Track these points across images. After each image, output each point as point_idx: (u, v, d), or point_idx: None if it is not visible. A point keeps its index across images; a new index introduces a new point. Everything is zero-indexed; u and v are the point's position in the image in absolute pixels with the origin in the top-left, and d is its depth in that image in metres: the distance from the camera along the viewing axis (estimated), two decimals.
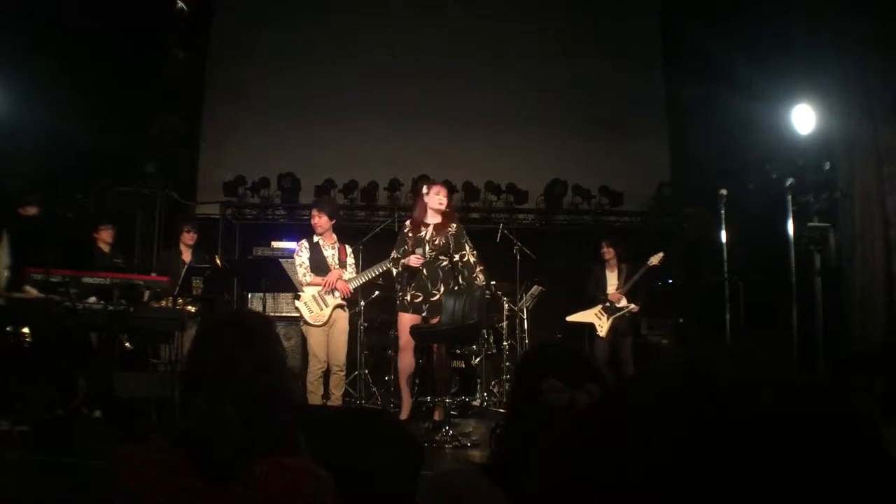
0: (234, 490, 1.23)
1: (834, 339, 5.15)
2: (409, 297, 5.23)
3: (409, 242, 5.28)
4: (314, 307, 5.48)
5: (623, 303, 6.49)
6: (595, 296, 6.61)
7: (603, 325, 6.48)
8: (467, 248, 5.28)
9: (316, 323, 5.45)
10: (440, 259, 5.21)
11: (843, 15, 5.50)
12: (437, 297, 5.17)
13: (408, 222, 5.44)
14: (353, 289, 5.61)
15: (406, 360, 5.26)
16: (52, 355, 4.62)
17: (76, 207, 6.65)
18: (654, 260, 6.43)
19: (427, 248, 5.21)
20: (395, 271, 5.36)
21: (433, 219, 5.29)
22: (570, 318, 6.64)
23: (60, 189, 6.61)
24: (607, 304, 6.52)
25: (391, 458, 2.35)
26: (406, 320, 5.23)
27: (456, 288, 5.13)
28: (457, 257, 5.19)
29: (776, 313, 5.52)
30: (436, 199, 5.25)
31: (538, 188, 8.41)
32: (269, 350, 1.38)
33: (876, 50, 5.32)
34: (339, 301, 5.50)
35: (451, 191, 5.63)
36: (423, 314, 5.21)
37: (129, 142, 7.40)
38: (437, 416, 5.07)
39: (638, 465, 0.42)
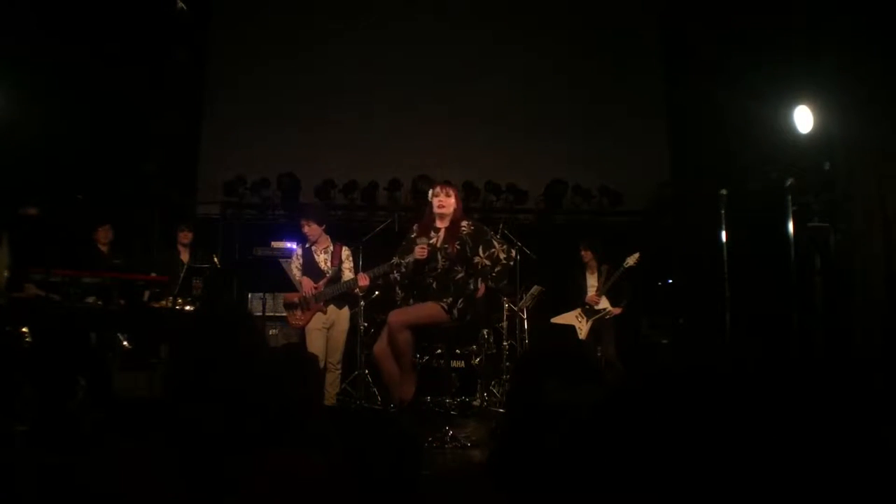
0: (229, 488, 1.23)
1: (834, 338, 5.14)
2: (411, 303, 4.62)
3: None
4: (295, 311, 5.65)
5: (602, 304, 6.54)
6: (575, 299, 6.67)
7: (582, 328, 6.56)
8: (496, 244, 4.62)
9: (297, 324, 5.61)
10: (455, 270, 4.55)
11: (842, 15, 5.50)
12: None
13: (415, 226, 4.78)
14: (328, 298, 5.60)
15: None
16: (52, 355, 4.62)
17: (76, 207, 6.64)
18: (631, 260, 6.48)
19: (439, 257, 4.55)
20: (396, 276, 4.74)
21: (442, 223, 4.67)
22: (553, 321, 6.73)
23: (60, 189, 6.61)
24: (586, 306, 6.59)
25: (390, 459, 2.35)
26: None
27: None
28: (479, 258, 4.55)
29: (776, 313, 5.51)
30: (435, 200, 4.65)
31: (538, 188, 8.41)
32: (245, 344, 1.37)
33: (875, 50, 5.32)
34: (318, 306, 5.56)
35: (452, 188, 4.78)
36: None
37: (129, 142, 7.40)
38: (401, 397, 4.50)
39: (638, 467, 0.42)
